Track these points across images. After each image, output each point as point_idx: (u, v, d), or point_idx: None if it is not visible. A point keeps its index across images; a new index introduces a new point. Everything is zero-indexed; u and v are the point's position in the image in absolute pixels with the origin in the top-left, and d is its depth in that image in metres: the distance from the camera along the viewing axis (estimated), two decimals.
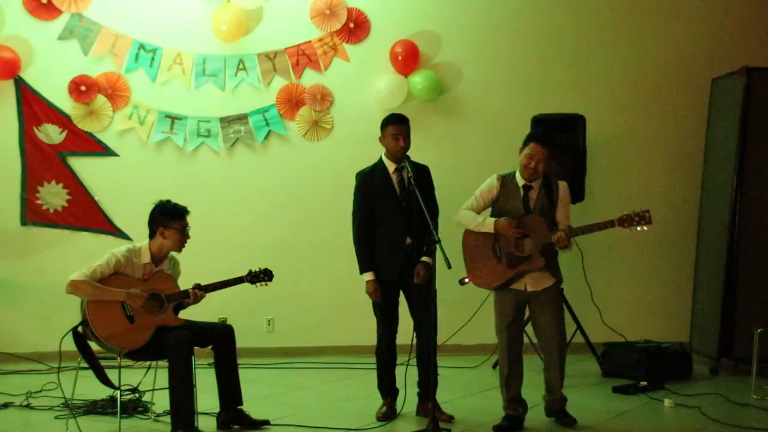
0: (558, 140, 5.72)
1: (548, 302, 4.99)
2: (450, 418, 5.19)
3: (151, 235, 4.93)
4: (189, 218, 5.00)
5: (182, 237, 4.92)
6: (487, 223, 4.97)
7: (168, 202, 4.98)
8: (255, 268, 5.09)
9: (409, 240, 5.18)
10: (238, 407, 5.01)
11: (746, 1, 7.53)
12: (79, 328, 4.77)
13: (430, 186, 5.35)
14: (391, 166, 5.27)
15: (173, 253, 5.02)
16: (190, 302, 4.92)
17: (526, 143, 5.01)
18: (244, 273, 5.06)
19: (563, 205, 4.97)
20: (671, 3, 7.49)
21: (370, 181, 5.28)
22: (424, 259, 5.15)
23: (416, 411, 5.34)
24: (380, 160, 5.33)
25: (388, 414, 5.26)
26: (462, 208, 5.09)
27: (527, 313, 5.15)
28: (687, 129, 7.41)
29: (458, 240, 5.75)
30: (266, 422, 5.06)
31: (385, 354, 5.34)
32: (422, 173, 5.31)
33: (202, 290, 4.89)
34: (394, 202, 5.22)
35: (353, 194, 5.34)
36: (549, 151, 4.93)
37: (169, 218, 4.90)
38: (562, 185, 5.01)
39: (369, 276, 5.21)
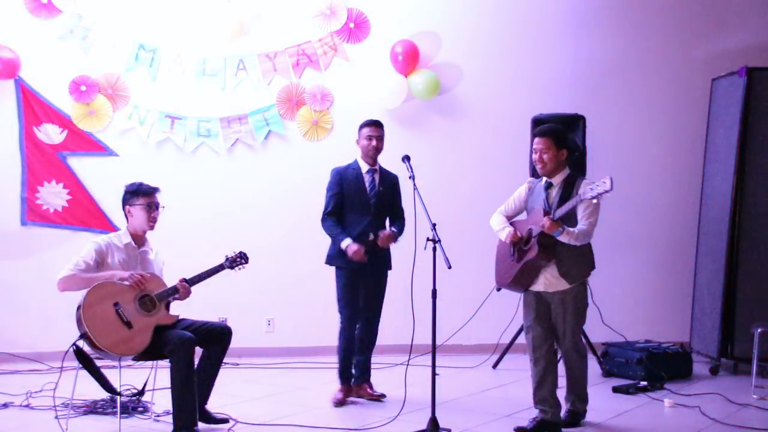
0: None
1: (559, 306, 4.91)
2: (382, 396, 5.64)
3: (126, 218, 5.04)
4: (187, 216, 5.02)
5: (147, 214, 4.99)
6: (503, 232, 5.02)
7: (134, 182, 5.08)
8: (231, 253, 5.18)
9: (371, 236, 5.52)
10: (203, 405, 5.00)
11: (746, 2, 7.53)
12: (79, 343, 4.72)
13: (397, 193, 5.73)
14: (364, 167, 5.65)
15: (155, 246, 5.07)
16: (179, 297, 4.93)
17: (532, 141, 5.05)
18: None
19: (583, 202, 4.71)
20: (671, 3, 7.50)
21: (343, 177, 5.64)
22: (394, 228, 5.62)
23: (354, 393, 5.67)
24: (355, 161, 5.70)
25: (341, 400, 5.58)
26: (496, 211, 5.13)
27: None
28: (687, 129, 7.41)
29: (457, 241, 5.72)
30: (225, 420, 5.06)
31: (345, 342, 5.65)
32: (390, 180, 5.69)
33: (187, 283, 4.93)
34: (363, 199, 5.59)
35: (326, 188, 5.65)
36: (549, 140, 4.85)
37: (132, 196, 5.01)
38: (585, 183, 4.80)
39: (347, 241, 5.47)
